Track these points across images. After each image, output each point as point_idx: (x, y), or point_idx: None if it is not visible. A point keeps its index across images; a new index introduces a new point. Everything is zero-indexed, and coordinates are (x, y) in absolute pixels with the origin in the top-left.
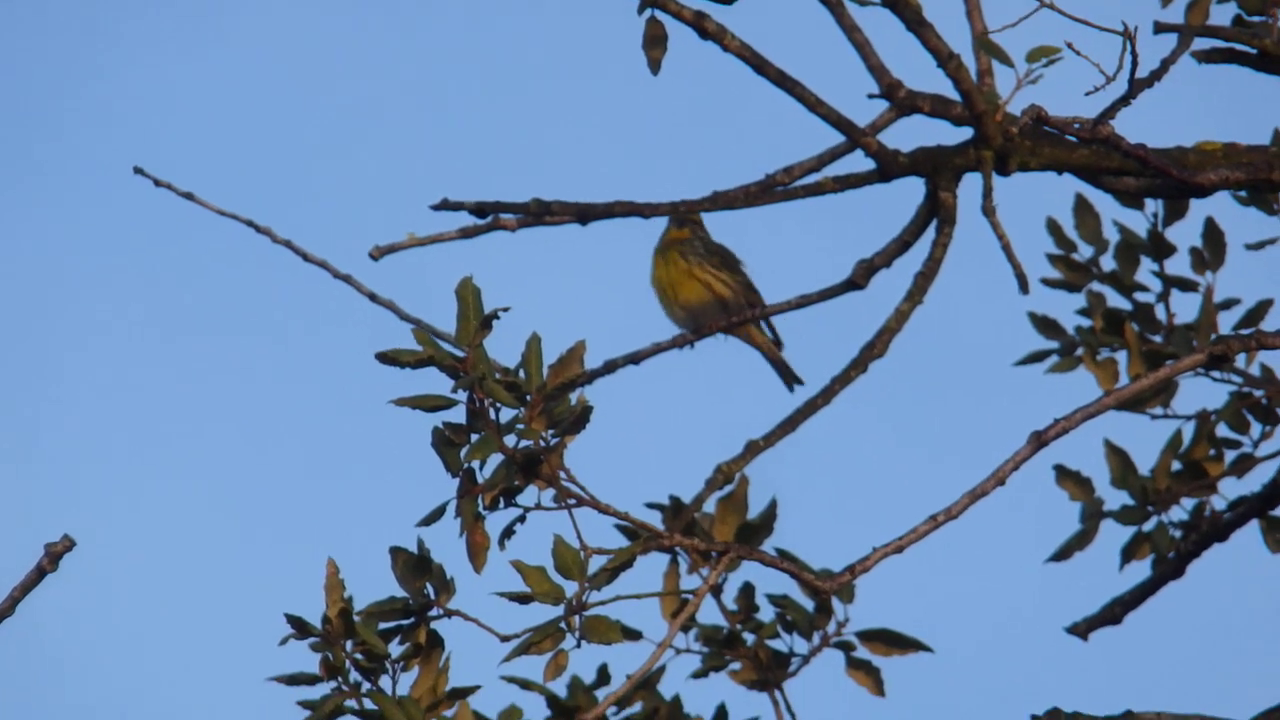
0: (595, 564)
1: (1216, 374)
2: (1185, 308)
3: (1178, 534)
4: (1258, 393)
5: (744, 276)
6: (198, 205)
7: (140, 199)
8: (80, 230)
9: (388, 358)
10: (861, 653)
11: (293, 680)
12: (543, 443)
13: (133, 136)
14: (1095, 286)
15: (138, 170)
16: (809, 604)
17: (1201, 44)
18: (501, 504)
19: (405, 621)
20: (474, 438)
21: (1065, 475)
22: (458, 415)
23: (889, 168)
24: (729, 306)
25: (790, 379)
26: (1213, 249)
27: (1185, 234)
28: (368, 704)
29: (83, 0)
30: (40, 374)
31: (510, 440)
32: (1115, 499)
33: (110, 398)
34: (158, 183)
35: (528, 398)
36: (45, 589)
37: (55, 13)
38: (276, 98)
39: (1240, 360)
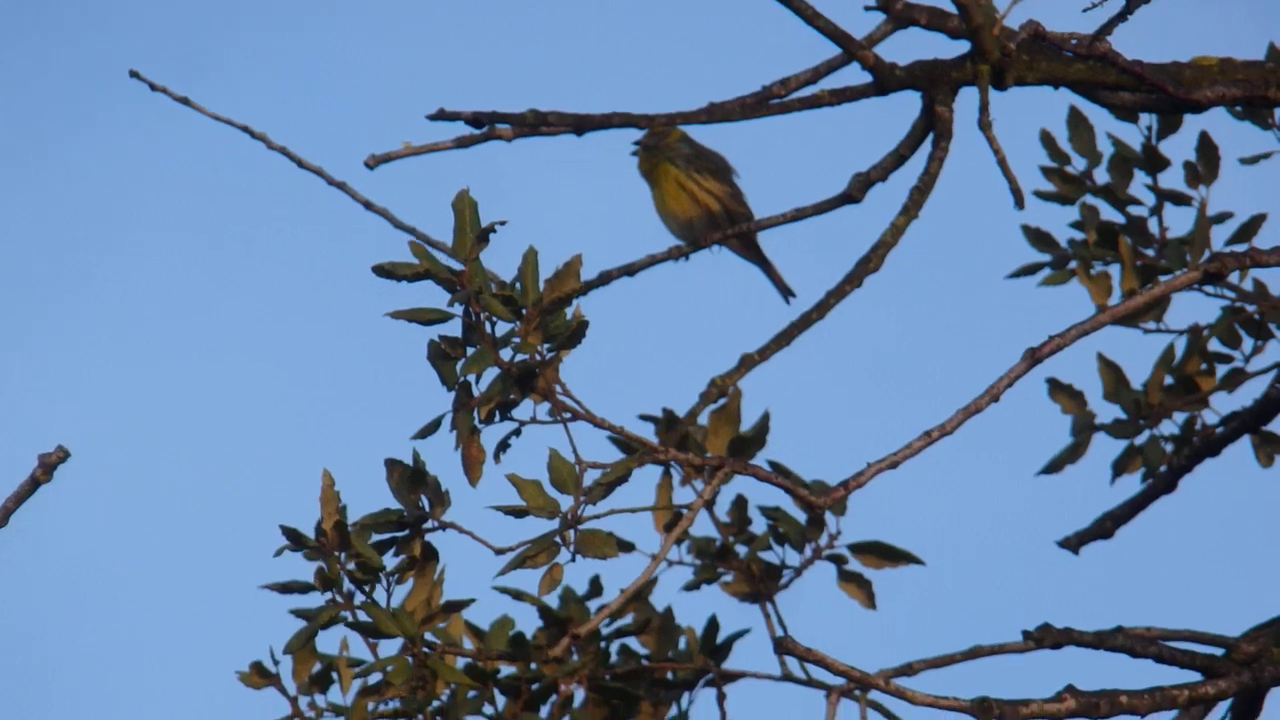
0: (590, 477)
1: (1209, 289)
2: (1179, 221)
3: (1169, 448)
4: (1250, 308)
5: (733, 186)
6: (193, 110)
7: (136, 103)
8: (74, 133)
9: (384, 270)
10: (853, 565)
11: (286, 588)
12: (538, 356)
13: (128, 41)
14: (1089, 200)
15: (133, 74)
16: (802, 517)
17: None
18: (497, 417)
19: (400, 534)
20: (470, 351)
21: (1058, 388)
22: (454, 329)
23: (885, 81)
24: (716, 219)
25: (785, 291)
26: (1206, 163)
27: (1179, 148)
28: (362, 616)
29: None
30: (28, 277)
31: (506, 354)
32: (1107, 413)
33: (100, 302)
34: (154, 87)
35: (524, 311)
36: (39, 499)
37: None
38: (275, 4)
39: (1233, 276)
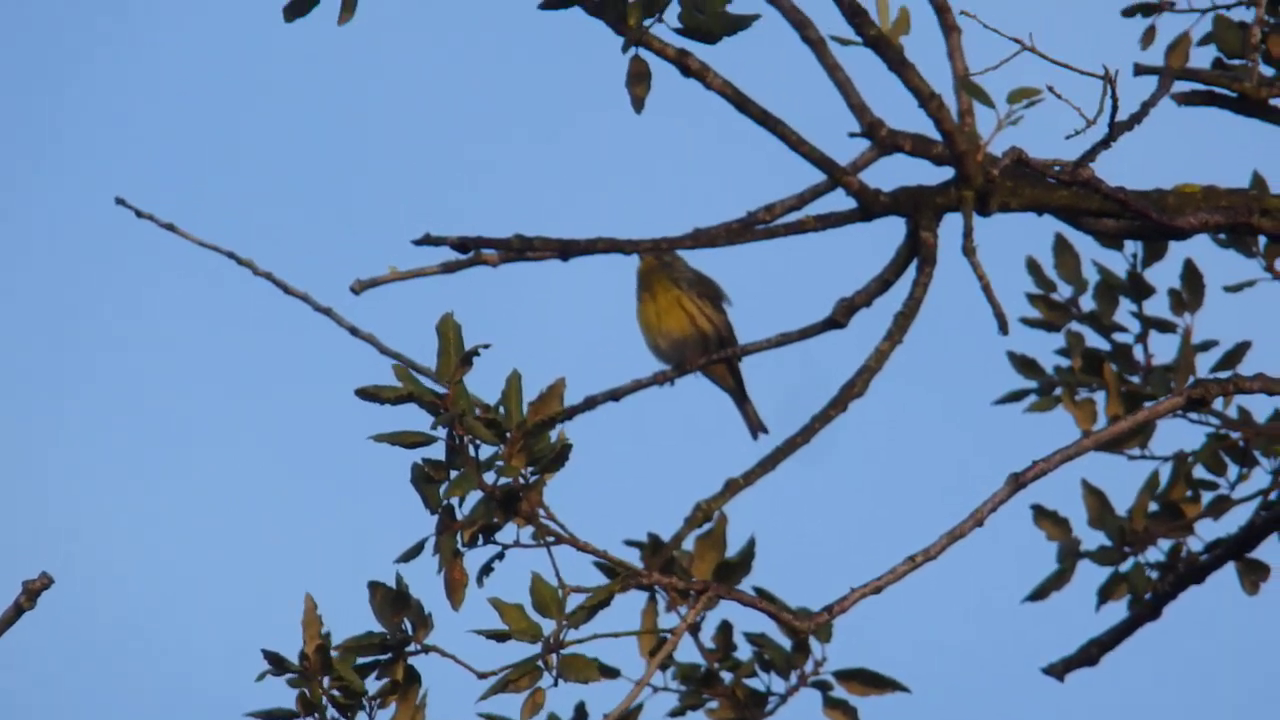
0: (573, 602)
1: (1194, 415)
2: (1163, 348)
3: (1154, 575)
4: (1234, 435)
5: (725, 316)
6: (179, 237)
7: (122, 230)
8: (60, 261)
9: (368, 394)
10: (839, 692)
11: (269, 717)
12: (522, 480)
13: (113, 168)
14: (1074, 326)
15: (119, 201)
16: (787, 643)
17: (1181, 87)
18: (480, 541)
19: (383, 657)
20: (453, 474)
21: (1043, 515)
22: (437, 452)
23: (870, 206)
24: (709, 342)
25: (756, 427)
26: (1191, 290)
27: (1164, 275)
28: None
29: (63, 26)
30: (11, 419)
31: (490, 477)
32: (1092, 539)
33: (86, 426)
34: (139, 214)
35: (507, 434)
36: (23, 626)
37: (36, 28)
38: (260, 130)
39: (1217, 402)
